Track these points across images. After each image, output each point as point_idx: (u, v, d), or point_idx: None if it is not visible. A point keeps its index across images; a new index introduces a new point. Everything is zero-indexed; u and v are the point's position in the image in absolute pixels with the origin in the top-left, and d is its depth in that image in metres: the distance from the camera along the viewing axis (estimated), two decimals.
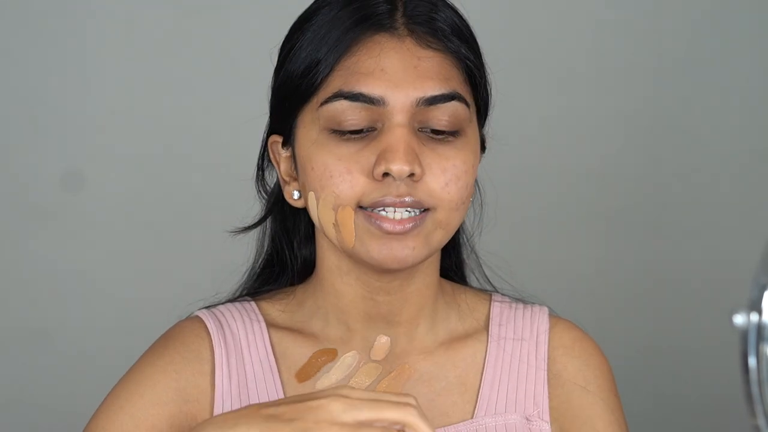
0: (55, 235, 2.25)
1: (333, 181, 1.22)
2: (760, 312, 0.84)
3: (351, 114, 1.22)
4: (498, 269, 1.42)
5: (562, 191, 2.31)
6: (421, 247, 1.23)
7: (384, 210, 1.22)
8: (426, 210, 1.23)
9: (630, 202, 2.34)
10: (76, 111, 2.25)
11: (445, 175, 1.22)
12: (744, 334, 0.84)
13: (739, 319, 0.84)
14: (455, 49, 1.25)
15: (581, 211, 2.33)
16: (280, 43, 1.30)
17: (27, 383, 2.26)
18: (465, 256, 1.41)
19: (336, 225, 1.23)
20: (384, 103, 1.21)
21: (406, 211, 1.22)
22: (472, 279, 1.42)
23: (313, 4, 1.29)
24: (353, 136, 1.22)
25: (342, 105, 1.22)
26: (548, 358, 1.34)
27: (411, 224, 1.22)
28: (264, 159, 1.35)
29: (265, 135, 1.34)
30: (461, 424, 1.30)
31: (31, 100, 2.25)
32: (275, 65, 1.31)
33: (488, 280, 1.41)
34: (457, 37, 1.26)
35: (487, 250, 1.41)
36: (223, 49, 2.25)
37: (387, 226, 1.21)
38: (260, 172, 1.36)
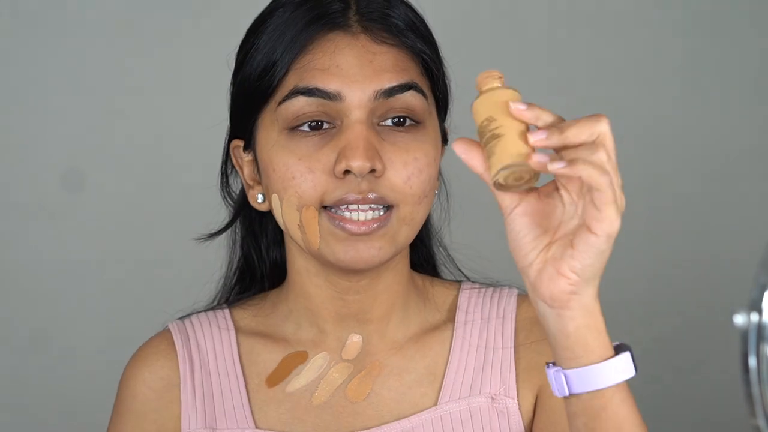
0: (54, 234, 2.25)
1: (295, 182, 1.21)
2: (760, 312, 0.84)
3: (308, 109, 1.22)
4: (470, 260, 1.41)
5: None
6: (387, 246, 1.23)
7: (347, 212, 1.21)
8: (390, 208, 1.22)
9: (629, 201, 2.33)
10: (76, 111, 2.25)
11: (406, 169, 1.22)
12: (744, 334, 0.84)
13: (739, 319, 0.84)
14: (411, 44, 1.25)
15: None
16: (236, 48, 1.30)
17: (25, 382, 2.26)
18: (434, 249, 1.40)
19: (301, 226, 1.23)
20: (340, 98, 1.21)
21: (371, 210, 1.21)
22: (444, 272, 1.41)
23: (267, 7, 1.29)
24: (312, 133, 1.22)
25: (299, 101, 1.22)
26: (516, 330, 1.33)
27: (375, 225, 1.21)
28: (227, 165, 1.35)
29: (227, 140, 1.34)
30: (424, 412, 1.30)
31: (30, 100, 2.25)
32: (232, 70, 1.31)
33: (461, 271, 1.40)
34: (413, 32, 1.26)
35: (459, 242, 1.41)
36: (224, 51, 2.25)
37: (351, 227, 1.21)
38: (224, 178, 1.36)
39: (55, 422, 2.26)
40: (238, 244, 1.39)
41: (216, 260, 1.42)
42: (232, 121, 1.32)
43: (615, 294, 2.36)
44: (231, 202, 1.37)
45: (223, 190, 1.37)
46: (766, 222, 2.28)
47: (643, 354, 2.29)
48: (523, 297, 1.36)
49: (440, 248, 1.41)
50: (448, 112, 1.32)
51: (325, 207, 1.22)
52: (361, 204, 1.21)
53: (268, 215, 1.33)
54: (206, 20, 2.27)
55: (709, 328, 2.20)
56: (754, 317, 0.84)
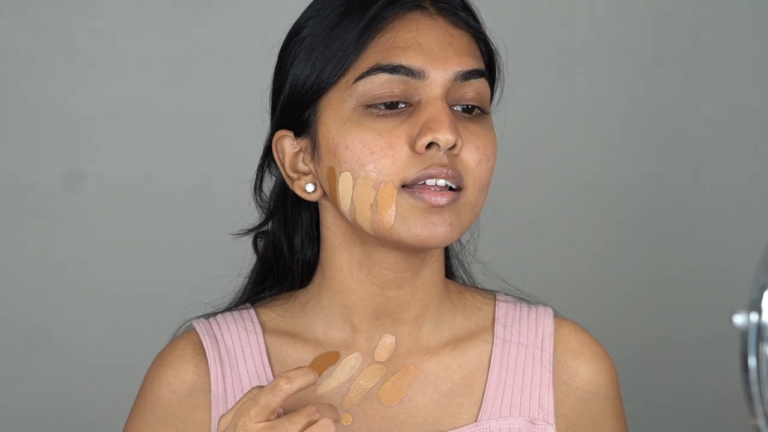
0: (54, 234, 2.25)
1: (374, 157, 1.20)
2: (760, 312, 0.84)
3: (389, 87, 1.21)
4: (495, 268, 1.41)
5: (562, 192, 2.31)
6: (456, 223, 1.22)
7: (426, 183, 1.21)
8: (459, 190, 1.22)
9: (630, 202, 2.34)
10: (76, 111, 2.25)
11: (478, 153, 1.22)
12: (744, 334, 0.84)
13: (739, 319, 0.84)
14: (479, 30, 1.27)
15: (581, 211, 2.33)
16: (285, 35, 1.29)
17: (26, 382, 2.26)
18: (454, 260, 1.39)
19: (374, 205, 1.21)
20: (424, 76, 1.22)
21: (446, 184, 1.21)
22: (461, 274, 1.39)
23: None
24: (389, 112, 1.22)
25: (380, 78, 1.21)
26: (556, 362, 1.32)
27: (450, 198, 1.21)
28: (265, 164, 1.33)
29: (270, 135, 1.31)
30: (466, 427, 1.28)
31: (31, 100, 2.25)
32: (286, 54, 1.28)
33: (473, 282, 1.39)
34: (476, 21, 1.28)
35: (482, 253, 1.40)
36: (225, 49, 2.26)
37: (430, 198, 1.20)
38: (260, 174, 1.34)
39: (56, 422, 2.26)
40: (269, 241, 1.36)
41: (219, 260, 1.41)
42: (282, 110, 1.29)
43: (615, 294, 2.37)
44: (260, 202, 1.35)
45: (256, 190, 1.35)
46: (767, 222, 2.28)
47: (642, 354, 2.30)
48: (559, 320, 1.35)
49: (462, 254, 1.39)
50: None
51: (404, 185, 1.21)
52: (439, 178, 1.20)
53: (302, 214, 1.33)
54: (208, 19, 2.27)
55: (709, 328, 2.20)
56: (753, 317, 0.84)
